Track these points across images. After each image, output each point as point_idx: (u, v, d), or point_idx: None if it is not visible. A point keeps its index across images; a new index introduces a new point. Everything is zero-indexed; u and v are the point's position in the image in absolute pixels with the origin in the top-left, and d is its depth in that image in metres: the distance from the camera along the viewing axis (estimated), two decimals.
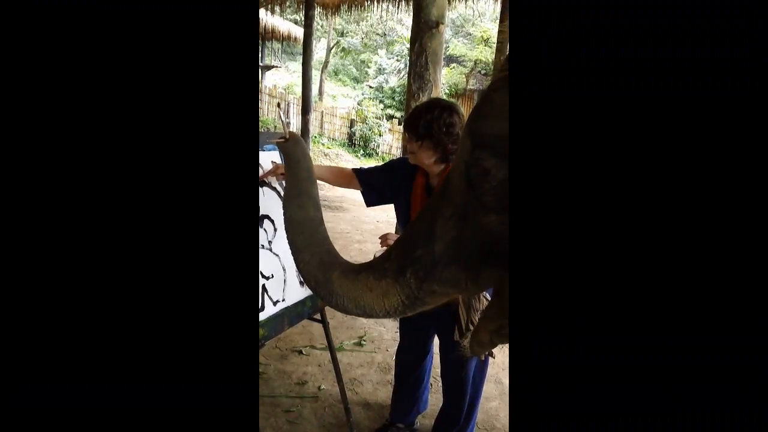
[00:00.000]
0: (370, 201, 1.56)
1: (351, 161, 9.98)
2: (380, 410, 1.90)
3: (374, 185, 1.53)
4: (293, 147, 1.05)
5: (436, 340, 1.68)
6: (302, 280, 1.37)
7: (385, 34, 15.93)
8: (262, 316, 1.26)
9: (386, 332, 2.60)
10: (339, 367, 1.65)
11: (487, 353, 1.44)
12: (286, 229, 0.95)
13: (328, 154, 10.21)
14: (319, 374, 2.14)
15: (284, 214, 0.97)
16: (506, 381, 2.17)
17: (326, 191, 7.30)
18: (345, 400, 1.58)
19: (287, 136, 1.07)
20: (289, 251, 0.94)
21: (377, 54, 15.50)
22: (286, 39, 11.44)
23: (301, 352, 2.32)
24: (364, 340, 2.48)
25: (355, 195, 7.09)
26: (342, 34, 16.47)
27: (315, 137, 10.31)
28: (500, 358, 2.40)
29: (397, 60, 14.00)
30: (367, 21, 15.33)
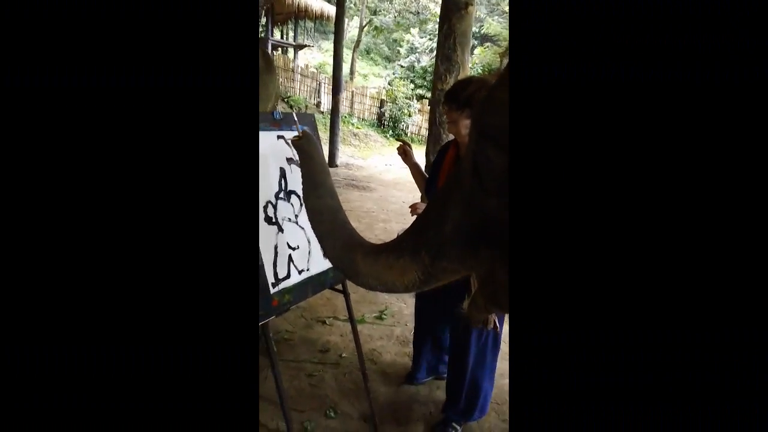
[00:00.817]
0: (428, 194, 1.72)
1: (379, 141, 10.01)
2: (397, 379, 2.01)
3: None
4: (306, 144, 1.14)
5: None
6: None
7: (418, 13, 15.65)
8: (289, 283, 1.36)
9: (406, 308, 2.69)
10: (359, 338, 1.75)
11: (492, 327, 1.52)
12: (308, 218, 1.03)
13: (358, 134, 10.27)
14: (341, 343, 2.26)
15: (305, 205, 1.05)
16: None
17: (354, 171, 7.40)
18: (363, 367, 1.68)
19: (300, 135, 1.17)
20: None
21: (409, 33, 15.28)
22: (318, 17, 11.44)
23: (324, 323, 2.45)
24: (385, 314, 2.59)
25: (382, 176, 7.18)
26: (375, 13, 16.29)
27: (345, 117, 10.37)
28: None
29: (430, 39, 13.78)
30: None
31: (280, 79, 10.09)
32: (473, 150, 0.72)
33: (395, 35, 16.70)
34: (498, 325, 1.56)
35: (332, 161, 7.32)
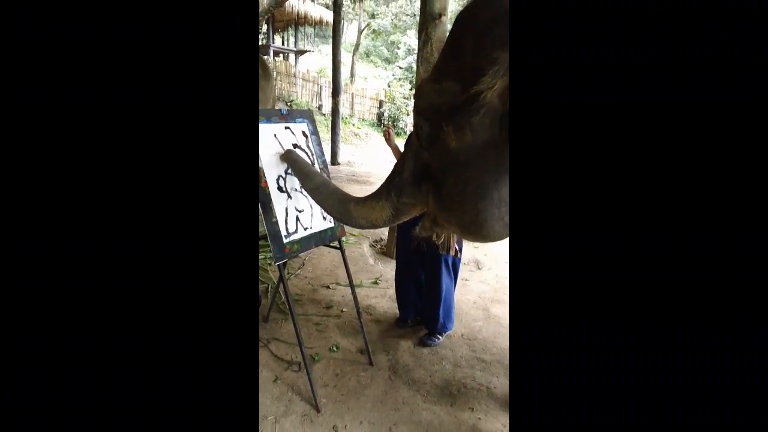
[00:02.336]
0: None
1: (379, 140, 10.45)
2: (388, 325, 2.44)
3: None
4: (289, 154, 1.74)
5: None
6: (328, 217, 1.93)
7: (414, 15, 16.08)
8: (297, 236, 1.80)
9: None
10: (356, 293, 2.15)
11: (454, 254, 2.04)
12: (310, 195, 1.55)
13: (358, 133, 10.72)
14: (342, 302, 2.70)
15: (305, 189, 1.61)
16: (493, 310, 2.66)
17: (355, 168, 7.84)
18: (358, 308, 2.10)
19: (284, 152, 1.77)
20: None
21: (406, 35, 15.72)
22: (317, 23, 11.92)
23: (328, 287, 2.89)
24: (379, 280, 3.02)
25: (380, 171, 7.56)
26: (373, 16, 16.75)
27: (346, 118, 10.83)
28: (490, 293, 2.89)
29: None
30: (396, 2, 15.55)
31: (283, 85, 10.55)
32: (414, 122, 1.17)
33: (393, 37, 17.15)
34: (458, 251, 2.08)
35: (334, 159, 7.76)
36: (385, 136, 2.25)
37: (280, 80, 10.51)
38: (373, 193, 1.36)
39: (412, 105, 2.01)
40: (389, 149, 2.34)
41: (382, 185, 1.34)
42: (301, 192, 1.88)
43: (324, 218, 1.96)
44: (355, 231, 3.96)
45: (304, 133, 1.96)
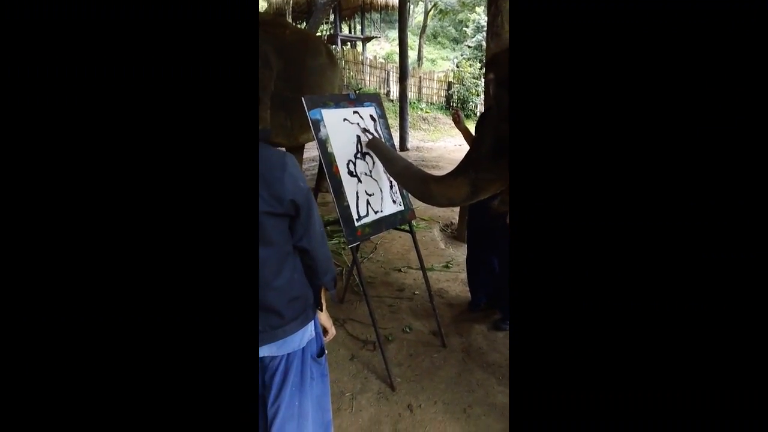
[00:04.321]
0: None
1: (448, 123, 10.26)
2: (460, 309, 2.42)
3: None
4: (374, 141, 1.83)
5: None
6: (398, 200, 1.96)
7: None
8: (367, 220, 1.83)
9: None
10: (427, 275, 2.15)
11: None
12: (395, 180, 1.67)
13: (427, 118, 10.61)
14: (414, 285, 2.72)
15: (389, 174, 1.71)
16: None
17: (424, 153, 7.79)
18: (429, 290, 2.10)
19: (369, 138, 1.85)
20: (384, 176, 1.72)
21: (475, 12, 15.14)
22: (383, 8, 11.90)
23: (400, 270, 2.92)
24: (450, 264, 3.00)
25: (451, 155, 7.45)
26: None
27: (414, 102, 10.74)
28: None
29: None
30: None
31: (351, 73, 10.70)
32: (494, 93, 1.15)
33: (461, 16, 16.58)
34: None
35: (403, 145, 7.76)
36: (454, 118, 2.19)
37: (348, 69, 10.66)
38: (451, 171, 1.36)
39: (484, 81, 1.96)
40: (459, 132, 2.29)
41: (460, 162, 1.33)
42: (371, 176, 1.91)
43: (394, 201, 1.98)
44: (426, 215, 3.95)
45: (372, 117, 1.98)
